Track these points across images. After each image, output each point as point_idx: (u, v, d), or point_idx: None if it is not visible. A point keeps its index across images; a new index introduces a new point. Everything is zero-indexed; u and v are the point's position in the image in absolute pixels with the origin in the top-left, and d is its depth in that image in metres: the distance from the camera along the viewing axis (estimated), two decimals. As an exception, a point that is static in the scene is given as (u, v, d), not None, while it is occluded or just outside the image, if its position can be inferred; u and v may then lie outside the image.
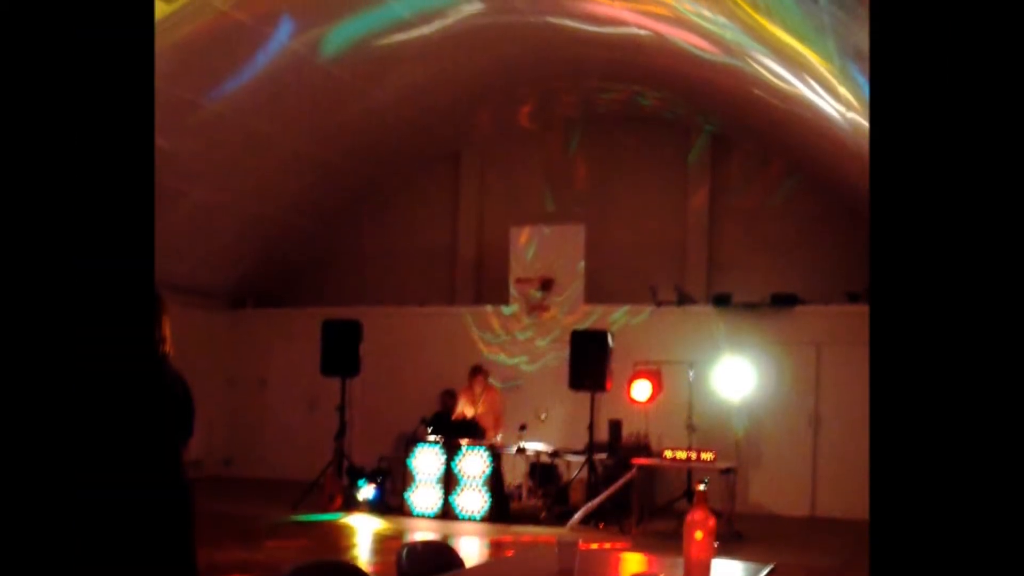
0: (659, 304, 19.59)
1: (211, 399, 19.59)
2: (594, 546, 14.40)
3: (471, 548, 14.40)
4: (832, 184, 18.89)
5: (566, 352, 17.35)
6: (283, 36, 15.68)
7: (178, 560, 5.66)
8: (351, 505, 16.89)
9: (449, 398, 18.77)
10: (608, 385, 16.68)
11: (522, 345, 20.50)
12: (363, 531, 15.38)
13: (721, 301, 19.22)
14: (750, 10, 11.29)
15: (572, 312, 19.90)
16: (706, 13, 12.60)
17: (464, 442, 16.61)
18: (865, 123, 11.47)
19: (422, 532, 15.35)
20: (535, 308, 20.23)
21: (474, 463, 16.40)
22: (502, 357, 20.45)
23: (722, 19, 12.48)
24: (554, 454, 17.24)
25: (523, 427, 17.11)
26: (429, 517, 16.44)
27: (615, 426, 17.65)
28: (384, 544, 14.69)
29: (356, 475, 17.22)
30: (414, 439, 17.05)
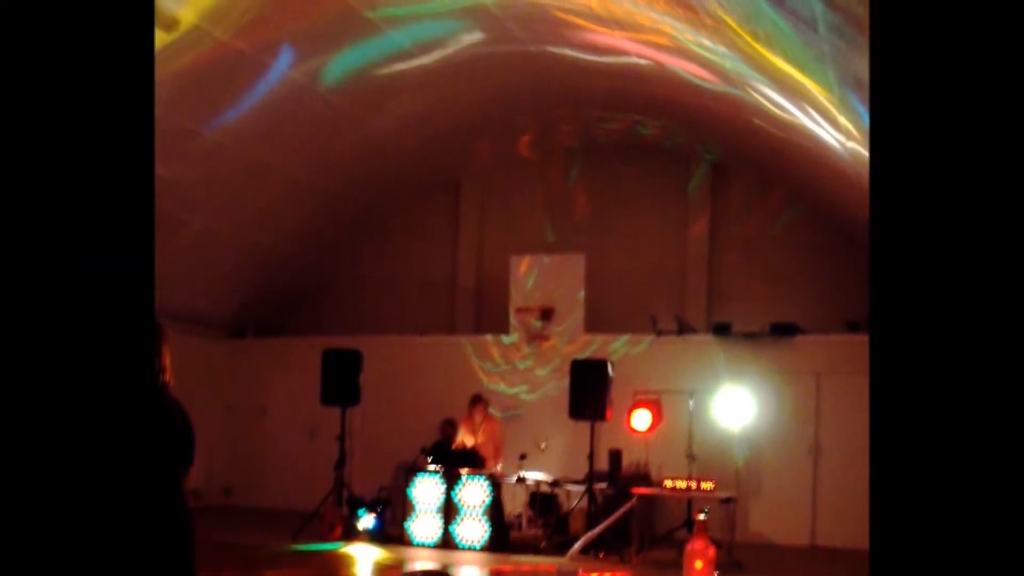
0: (659, 333, 19.58)
1: (211, 428, 19.58)
2: (594, 575, 14.41)
3: (471, 578, 14.39)
4: (832, 213, 18.89)
5: (566, 381, 17.34)
6: (283, 65, 15.71)
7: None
8: (351, 534, 16.84)
9: (449, 427, 18.76)
10: (608, 414, 16.67)
11: (522, 374, 20.48)
12: (363, 561, 15.35)
13: (721, 330, 19.22)
14: (750, 40, 11.31)
15: (572, 341, 19.88)
16: (706, 43, 12.62)
17: (464, 471, 16.60)
18: (865, 152, 11.48)
19: (422, 561, 15.32)
20: (535, 337, 20.22)
21: (474, 492, 16.38)
22: (502, 386, 20.42)
23: (722, 49, 12.50)
24: (554, 483, 17.22)
25: (523, 456, 17.10)
26: (429, 546, 16.41)
27: (615, 455, 17.64)
28: (384, 574, 14.69)
29: (356, 504, 17.18)
30: (414, 468, 17.03)
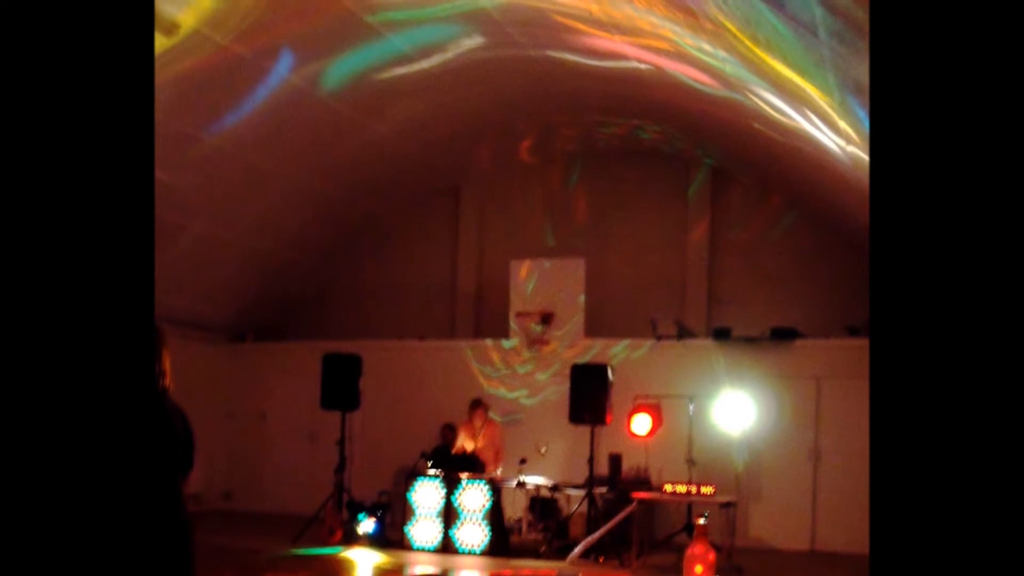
0: (659, 338, 19.56)
1: (211, 433, 19.57)
2: (594, 580, 14.40)
3: (471, 582, 14.38)
4: (832, 218, 18.89)
5: (566, 386, 17.31)
6: (283, 70, 15.71)
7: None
8: (351, 539, 16.84)
9: (449, 432, 18.77)
10: (608, 419, 16.65)
11: (522, 379, 20.47)
12: (363, 565, 15.34)
13: (721, 335, 19.21)
14: (750, 44, 11.30)
15: (572, 346, 19.87)
16: (706, 47, 12.62)
17: (464, 476, 16.59)
18: (865, 157, 11.47)
19: (422, 566, 15.32)
20: (535, 342, 20.21)
21: (474, 497, 16.37)
22: (502, 391, 20.42)
23: (722, 53, 12.50)
24: (554, 488, 17.22)
25: (523, 461, 17.09)
26: (429, 551, 16.40)
27: (615, 460, 17.63)
28: (384, 578, 14.69)
29: (356, 509, 17.17)
30: (414, 473, 17.03)
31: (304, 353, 20.92)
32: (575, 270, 20.01)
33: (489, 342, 20.91)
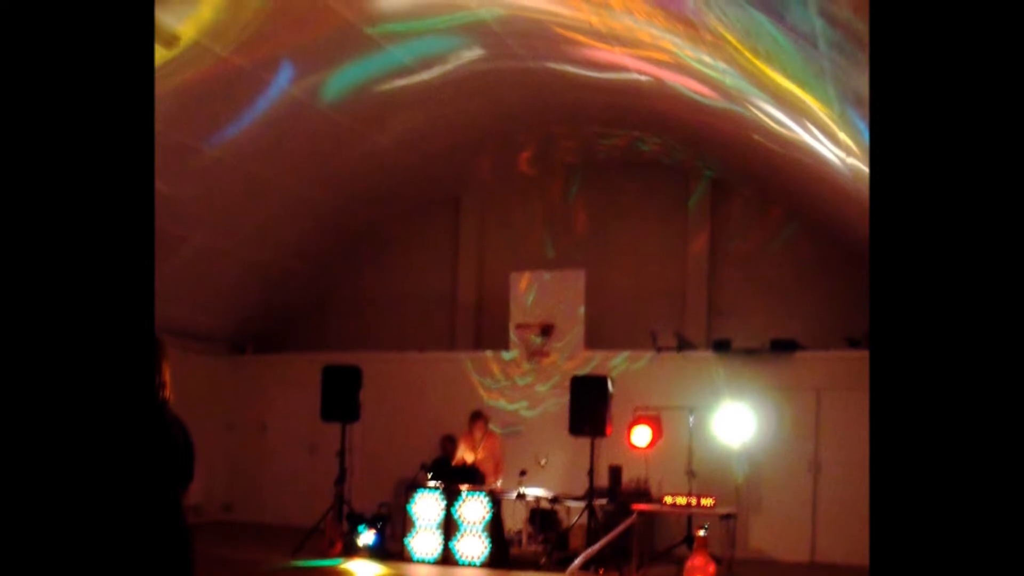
0: (659, 350, 19.55)
1: (211, 444, 19.54)
2: (594, 592, 14.37)
3: (471, 594, 14.36)
4: (832, 229, 18.88)
5: (566, 398, 17.29)
6: (283, 81, 15.71)
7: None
8: (351, 551, 16.82)
9: (449, 444, 18.75)
10: (608, 431, 16.63)
11: (522, 390, 20.44)
12: (363, 577, 15.35)
13: (721, 347, 19.19)
14: (750, 56, 11.31)
15: (572, 357, 19.85)
16: (706, 59, 12.63)
17: (464, 488, 16.58)
18: (865, 168, 11.48)
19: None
20: (535, 353, 20.19)
21: (474, 509, 16.35)
22: (502, 403, 20.40)
23: (722, 65, 12.50)
24: (554, 500, 17.20)
25: (523, 473, 17.08)
26: (429, 563, 16.39)
27: (615, 472, 17.62)
28: (383, 590, 14.66)
29: (356, 520, 17.15)
30: (414, 485, 17.01)
31: (304, 365, 20.91)
32: (575, 282, 19.99)
33: (489, 354, 20.89)
